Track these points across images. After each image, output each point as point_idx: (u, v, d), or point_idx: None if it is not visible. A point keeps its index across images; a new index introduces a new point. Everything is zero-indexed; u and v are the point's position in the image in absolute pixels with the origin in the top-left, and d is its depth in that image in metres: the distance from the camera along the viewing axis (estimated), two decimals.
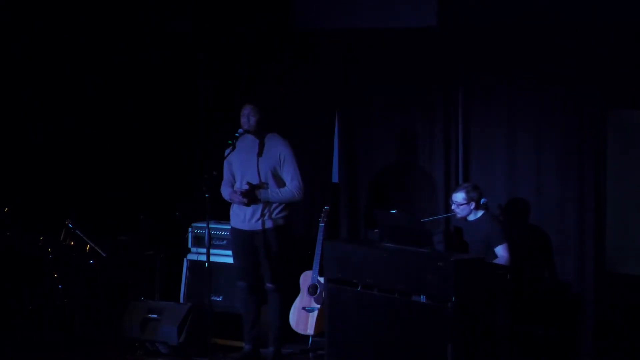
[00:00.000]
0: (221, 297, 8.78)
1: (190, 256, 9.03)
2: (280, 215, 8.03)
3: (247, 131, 8.00)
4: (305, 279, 8.58)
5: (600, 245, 8.12)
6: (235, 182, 8.13)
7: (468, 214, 8.07)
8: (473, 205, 8.04)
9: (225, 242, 8.80)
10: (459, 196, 8.06)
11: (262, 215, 7.98)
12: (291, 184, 7.99)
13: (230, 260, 8.65)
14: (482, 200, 8.16)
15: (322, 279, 8.35)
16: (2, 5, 9.05)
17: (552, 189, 8.29)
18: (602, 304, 8.07)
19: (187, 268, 9.01)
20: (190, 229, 9.02)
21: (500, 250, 7.89)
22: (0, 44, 9.12)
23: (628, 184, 8.08)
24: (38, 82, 9.36)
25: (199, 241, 8.94)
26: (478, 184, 8.21)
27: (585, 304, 8.14)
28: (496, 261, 7.83)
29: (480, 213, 8.08)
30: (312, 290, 8.51)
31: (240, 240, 8.10)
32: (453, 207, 8.10)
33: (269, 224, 7.98)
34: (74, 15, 9.35)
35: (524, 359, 8.00)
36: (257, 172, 7.98)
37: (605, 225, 8.12)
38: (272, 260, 8.02)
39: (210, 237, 8.40)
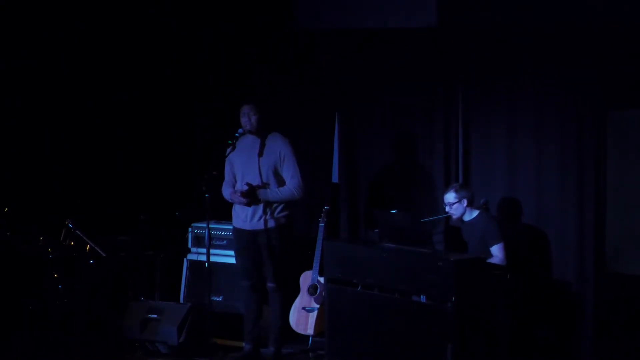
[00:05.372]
0: (221, 297, 8.79)
1: (190, 256, 9.04)
2: (282, 214, 8.02)
3: (249, 131, 8.00)
4: (305, 279, 8.58)
5: (600, 245, 8.12)
6: (236, 182, 8.13)
7: (463, 213, 8.07)
8: (465, 202, 8.04)
9: (225, 242, 8.81)
10: (449, 196, 8.06)
11: (264, 214, 7.98)
12: (291, 183, 7.99)
13: (230, 260, 8.66)
14: (482, 200, 8.17)
15: (322, 279, 8.35)
16: (7, 7, 9.07)
17: (552, 189, 8.29)
18: (602, 304, 8.07)
19: (187, 268, 9.03)
20: (190, 229, 9.03)
21: (496, 250, 7.89)
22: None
23: (628, 184, 8.08)
24: (37, 83, 9.35)
25: (199, 241, 8.95)
26: (465, 184, 8.26)
27: (585, 304, 8.14)
28: (491, 260, 7.83)
29: (475, 213, 8.08)
30: (312, 290, 8.51)
31: (243, 240, 8.10)
32: (447, 209, 8.09)
33: (270, 224, 7.98)
34: (72, 15, 9.34)
35: (524, 359, 8.01)
36: (259, 172, 7.98)
37: (605, 225, 8.12)
38: (274, 260, 8.01)
39: (210, 237, 8.40)
